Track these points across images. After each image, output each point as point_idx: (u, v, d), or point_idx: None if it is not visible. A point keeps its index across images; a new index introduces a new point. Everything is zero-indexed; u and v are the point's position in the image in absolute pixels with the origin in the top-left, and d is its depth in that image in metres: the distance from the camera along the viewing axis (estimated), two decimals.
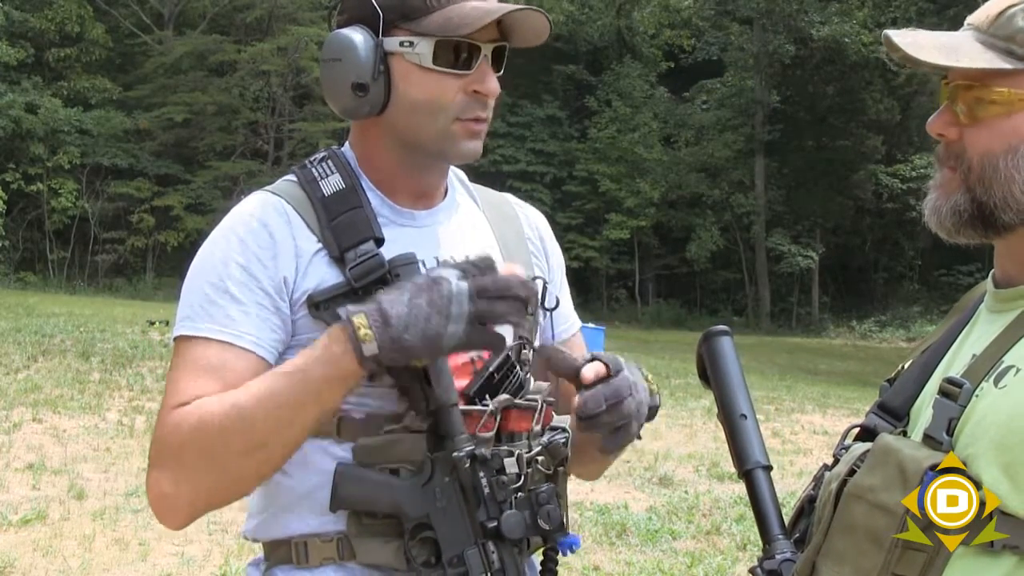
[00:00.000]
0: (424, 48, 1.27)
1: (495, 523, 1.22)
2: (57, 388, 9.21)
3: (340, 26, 1.32)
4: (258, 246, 1.29)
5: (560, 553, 1.34)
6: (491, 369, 1.31)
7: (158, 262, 27.49)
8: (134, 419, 8.13)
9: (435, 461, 1.25)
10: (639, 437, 1.33)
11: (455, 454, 1.23)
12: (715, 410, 1.39)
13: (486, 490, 1.23)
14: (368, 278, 1.26)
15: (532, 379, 1.40)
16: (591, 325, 11.23)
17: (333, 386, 1.19)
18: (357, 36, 1.28)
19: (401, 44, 1.28)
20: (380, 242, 1.30)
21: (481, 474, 1.23)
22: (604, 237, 28.77)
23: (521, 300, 1.18)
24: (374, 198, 1.35)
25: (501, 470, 1.24)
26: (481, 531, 1.23)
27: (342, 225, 1.30)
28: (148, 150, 27.99)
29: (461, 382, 1.30)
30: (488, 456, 1.23)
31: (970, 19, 1.16)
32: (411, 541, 1.24)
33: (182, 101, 27.89)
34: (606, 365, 1.27)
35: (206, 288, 1.28)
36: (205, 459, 1.20)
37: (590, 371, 1.26)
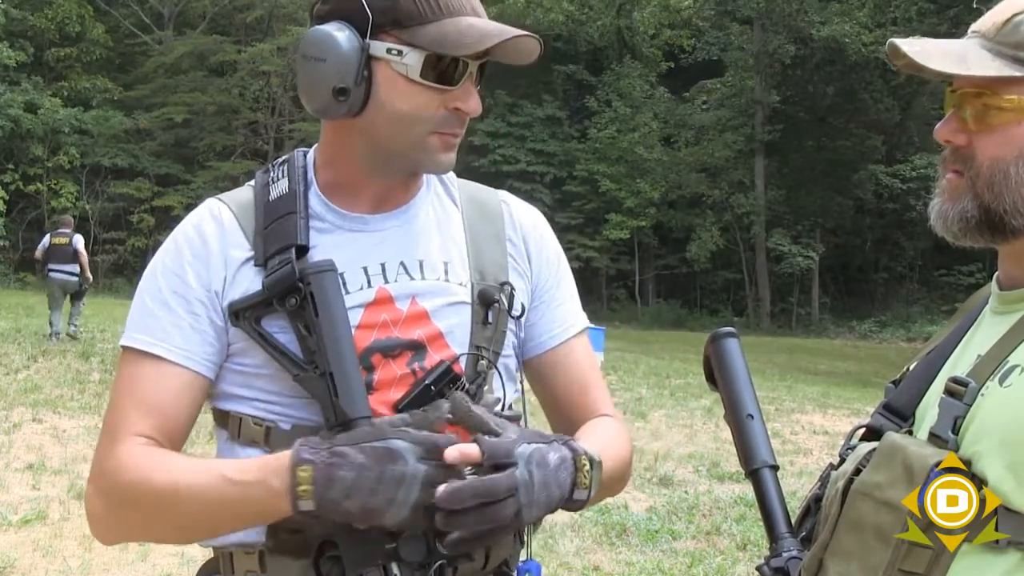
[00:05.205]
0: (413, 60, 1.23)
1: (393, 545, 1.17)
2: (57, 388, 9.21)
3: (321, 18, 1.27)
4: (192, 255, 1.29)
5: None
6: (427, 382, 1.26)
7: None
8: None
9: None
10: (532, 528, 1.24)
11: None
12: (715, 410, 1.40)
13: None
14: (280, 287, 1.25)
15: (493, 392, 1.33)
16: (591, 325, 11.20)
17: (264, 514, 1.18)
18: (344, 37, 1.22)
19: (389, 51, 1.23)
20: (302, 249, 1.27)
21: None
22: (604, 237, 28.79)
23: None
24: (317, 203, 1.32)
25: None
26: (384, 553, 1.18)
27: (272, 232, 1.29)
28: (148, 150, 28.02)
29: (399, 393, 1.26)
30: None
31: (975, 26, 1.16)
32: (320, 559, 1.21)
33: (182, 101, 27.91)
34: (483, 451, 1.13)
35: (146, 298, 1.30)
36: (135, 516, 1.25)
37: (453, 452, 1.12)
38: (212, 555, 1.35)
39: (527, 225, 1.44)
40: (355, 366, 1.22)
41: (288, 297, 1.24)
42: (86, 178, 26.92)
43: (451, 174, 1.43)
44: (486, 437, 1.15)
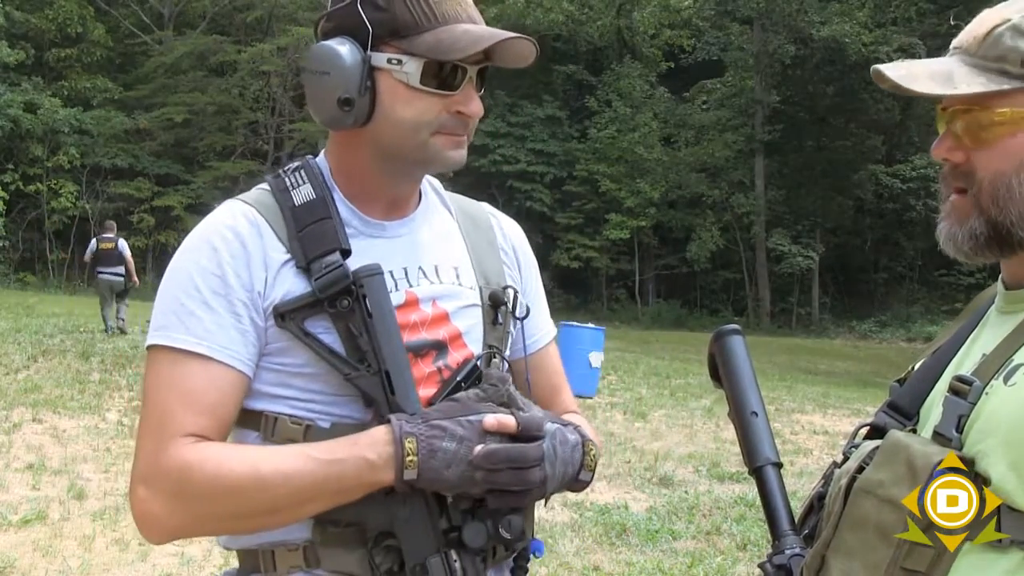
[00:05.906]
0: (412, 67, 1.28)
1: (457, 532, 1.24)
2: (57, 388, 9.21)
3: (325, 34, 1.32)
4: (231, 255, 1.29)
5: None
6: (458, 379, 1.32)
7: (158, 262, 27.50)
8: (134, 419, 8.12)
9: None
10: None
11: None
12: (716, 410, 1.40)
13: (448, 499, 1.24)
14: (332, 289, 1.28)
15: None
16: (591, 326, 11.23)
17: (362, 488, 1.22)
18: (346, 50, 1.28)
19: (389, 61, 1.28)
20: (346, 253, 1.31)
21: None
22: (604, 237, 28.79)
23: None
24: (344, 209, 1.36)
25: None
26: (443, 540, 1.24)
27: (310, 235, 1.31)
28: (148, 150, 28.05)
29: (428, 391, 1.31)
30: None
31: (956, 42, 1.16)
32: (375, 549, 1.25)
33: (182, 101, 27.94)
34: (518, 422, 1.25)
35: (181, 297, 1.29)
36: (211, 509, 1.24)
37: (492, 420, 1.24)
38: (237, 555, 1.35)
39: (513, 236, 1.54)
40: (407, 365, 1.28)
41: (340, 299, 1.27)
42: (86, 178, 26.93)
43: (439, 185, 1.51)
44: (520, 412, 1.26)
